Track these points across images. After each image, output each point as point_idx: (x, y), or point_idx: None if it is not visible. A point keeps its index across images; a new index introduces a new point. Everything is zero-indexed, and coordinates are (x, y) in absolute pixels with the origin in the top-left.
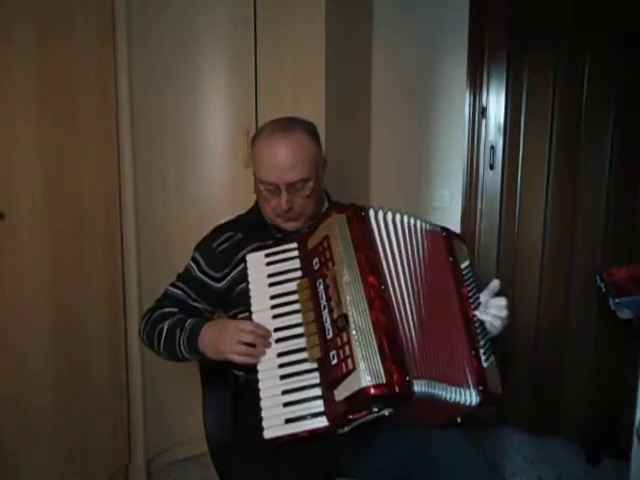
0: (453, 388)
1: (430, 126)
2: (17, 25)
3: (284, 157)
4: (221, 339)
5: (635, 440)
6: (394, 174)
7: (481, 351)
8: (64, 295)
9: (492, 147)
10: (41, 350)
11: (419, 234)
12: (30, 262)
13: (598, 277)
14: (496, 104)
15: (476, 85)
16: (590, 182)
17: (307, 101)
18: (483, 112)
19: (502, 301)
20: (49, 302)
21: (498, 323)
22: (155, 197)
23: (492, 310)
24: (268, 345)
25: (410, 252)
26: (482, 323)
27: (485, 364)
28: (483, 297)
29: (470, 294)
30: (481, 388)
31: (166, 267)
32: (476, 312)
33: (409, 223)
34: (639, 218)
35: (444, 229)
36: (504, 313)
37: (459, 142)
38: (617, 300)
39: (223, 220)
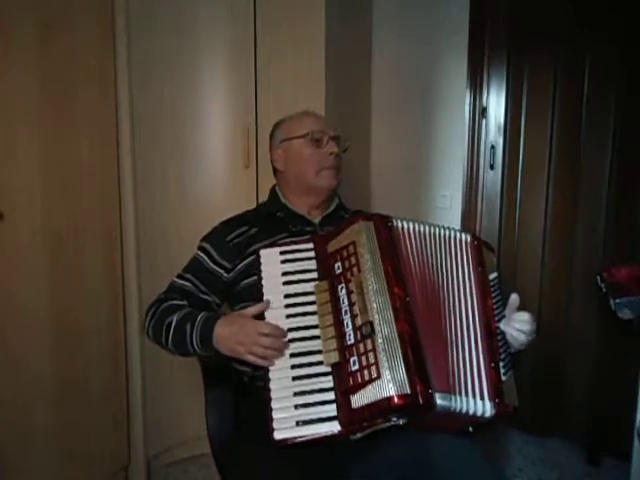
0: (469, 400)
1: (430, 126)
2: (17, 25)
3: (324, 117)
4: (238, 338)
5: (636, 441)
6: (394, 174)
7: (501, 364)
8: (64, 295)
9: (492, 147)
10: (41, 350)
11: (444, 243)
12: (30, 262)
13: (598, 277)
14: (496, 104)
15: (476, 85)
16: (590, 182)
17: (307, 101)
18: (483, 112)
19: (525, 315)
20: (49, 302)
21: (522, 338)
22: (155, 197)
23: (515, 324)
24: (284, 347)
25: (433, 262)
26: (504, 336)
27: (504, 377)
28: (506, 312)
29: (495, 306)
30: (497, 401)
31: (165, 267)
32: (500, 324)
33: (433, 233)
34: (639, 218)
35: (475, 237)
36: (527, 327)
37: (459, 142)
38: (617, 300)
39: (229, 215)
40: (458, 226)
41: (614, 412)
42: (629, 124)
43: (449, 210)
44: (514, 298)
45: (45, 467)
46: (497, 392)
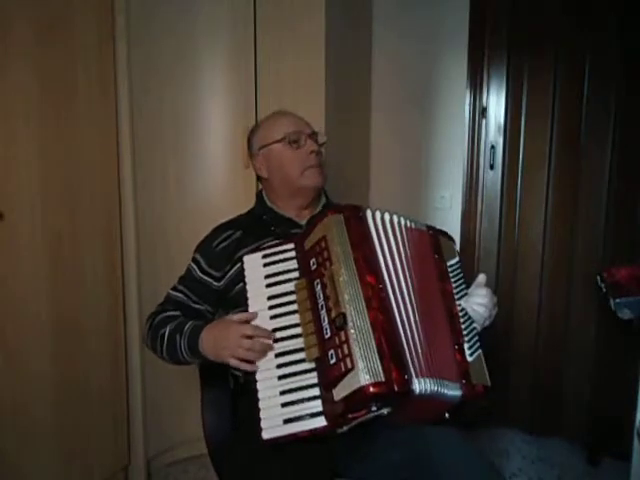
0: (442, 383)
1: (430, 126)
2: (17, 25)
3: (296, 116)
4: (222, 343)
5: (635, 440)
6: (394, 174)
7: (465, 346)
8: (64, 295)
9: (492, 147)
10: (41, 350)
11: (409, 233)
12: (30, 262)
13: (599, 277)
14: (496, 104)
15: (476, 85)
16: (590, 182)
17: (307, 101)
18: (483, 112)
19: (483, 290)
20: (49, 302)
21: (482, 310)
22: (155, 197)
23: (476, 298)
24: (268, 348)
25: (404, 252)
26: (469, 317)
27: (470, 358)
28: (469, 290)
29: (456, 290)
30: (464, 382)
31: (165, 267)
32: (460, 301)
33: (400, 223)
34: (639, 218)
35: (429, 227)
36: (486, 300)
37: (459, 142)
38: (617, 300)
39: (221, 221)
40: (458, 226)
41: (614, 412)
42: (629, 124)
43: (449, 210)
44: (481, 277)
45: (45, 467)
46: (462, 373)
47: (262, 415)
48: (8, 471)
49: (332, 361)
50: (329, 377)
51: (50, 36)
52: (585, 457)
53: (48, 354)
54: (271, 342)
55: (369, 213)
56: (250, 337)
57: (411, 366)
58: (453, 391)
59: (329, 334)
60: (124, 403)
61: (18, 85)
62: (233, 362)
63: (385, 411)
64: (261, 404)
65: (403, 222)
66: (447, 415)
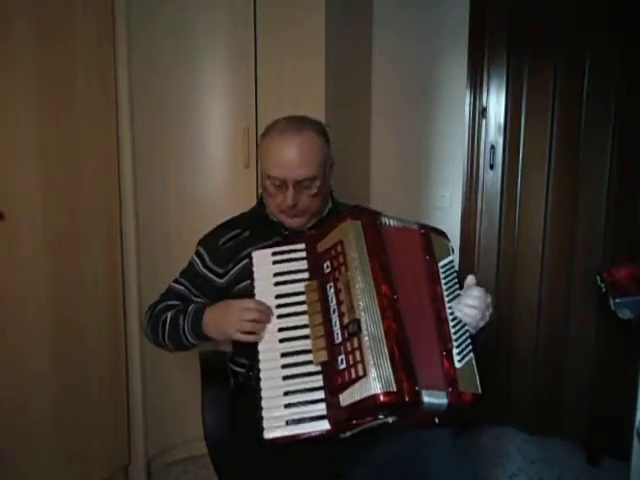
0: (432, 393)
1: (430, 126)
2: (17, 25)
3: (294, 155)
4: (225, 319)
5: (635, 440)
6: (394, 174)
7: (454, 351)
8: (64, 295)
9: (492, 147)
10: (41, 350)
11: (403, 235)
12: (30, 262)
13: (598, 277)
14: (496, 104)
15: (476, 85)
16: (590, 182)
17: (307, 101)
18: (483, 112)
19: (475, 291)
20: (49, 302)
21: (474, 313)
22: (155, 197)
23: (468, 301)
24: (270, 321)
25: (404, 257)
26: (459, 321)
27: (459, 364)
28: (462, 292)
29: (447, 292)
30: (450, 390)
31: (165, 266)
32: (451, 304)
33: (403, 227)
34: (639, 218)
35: (421, 226)
36: (477, 302)
37: (459, 142)
38: (617, 300)
39: (224, 219)
40: (458, 226)
41: (614, 412)
42: (629, 124)
43: (449, 210)
44: (470, 278)
45: (45, 467)
46: (449, 381)
47: (264, 414)
48: (8, 471)
49: (341, 366)
50: (336, 382)
51: (50, 36)
52: (585, 457)
53: (48, 354)
54: (274, 316)
55: (385, 220)
56: (252, 309)
57: (421, 377)
58: (439, 399)
59: (340, 339)
60: (124, 403)
61: (18, 85)
62: (239, 337)
63: (390, 420)
64: (264, 403)
65: (395, 224)
66: (437, 420)
